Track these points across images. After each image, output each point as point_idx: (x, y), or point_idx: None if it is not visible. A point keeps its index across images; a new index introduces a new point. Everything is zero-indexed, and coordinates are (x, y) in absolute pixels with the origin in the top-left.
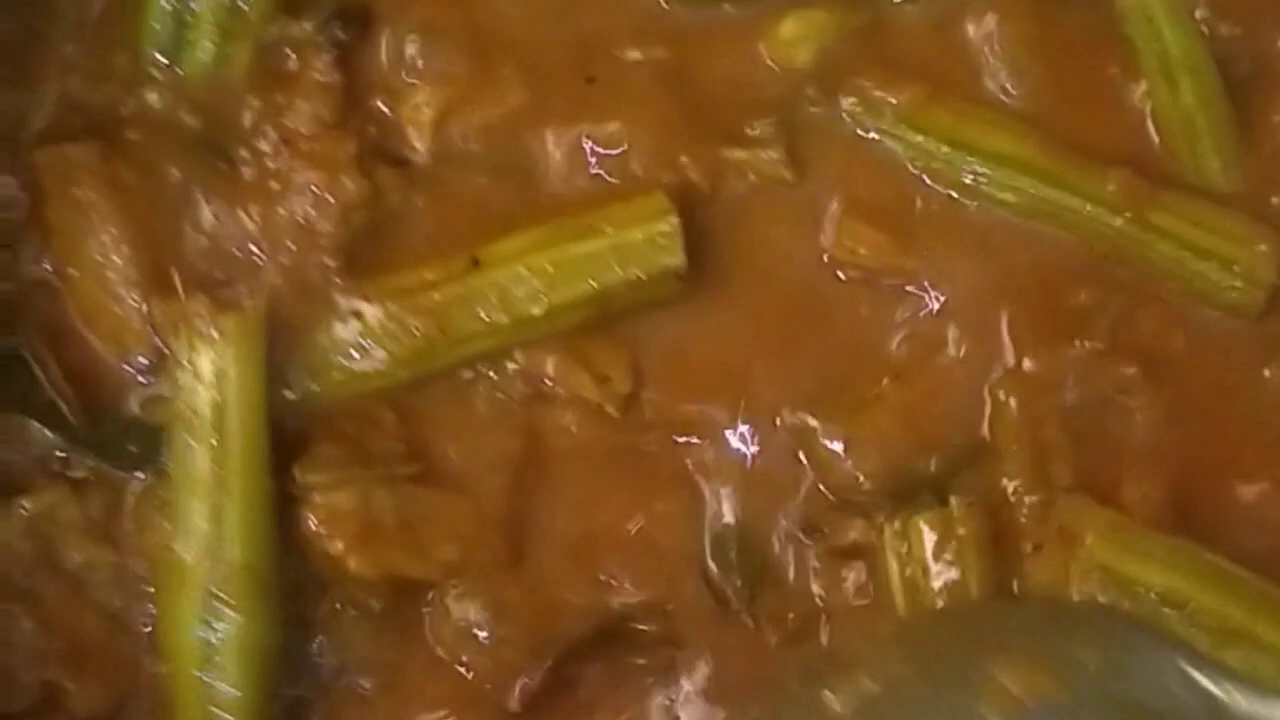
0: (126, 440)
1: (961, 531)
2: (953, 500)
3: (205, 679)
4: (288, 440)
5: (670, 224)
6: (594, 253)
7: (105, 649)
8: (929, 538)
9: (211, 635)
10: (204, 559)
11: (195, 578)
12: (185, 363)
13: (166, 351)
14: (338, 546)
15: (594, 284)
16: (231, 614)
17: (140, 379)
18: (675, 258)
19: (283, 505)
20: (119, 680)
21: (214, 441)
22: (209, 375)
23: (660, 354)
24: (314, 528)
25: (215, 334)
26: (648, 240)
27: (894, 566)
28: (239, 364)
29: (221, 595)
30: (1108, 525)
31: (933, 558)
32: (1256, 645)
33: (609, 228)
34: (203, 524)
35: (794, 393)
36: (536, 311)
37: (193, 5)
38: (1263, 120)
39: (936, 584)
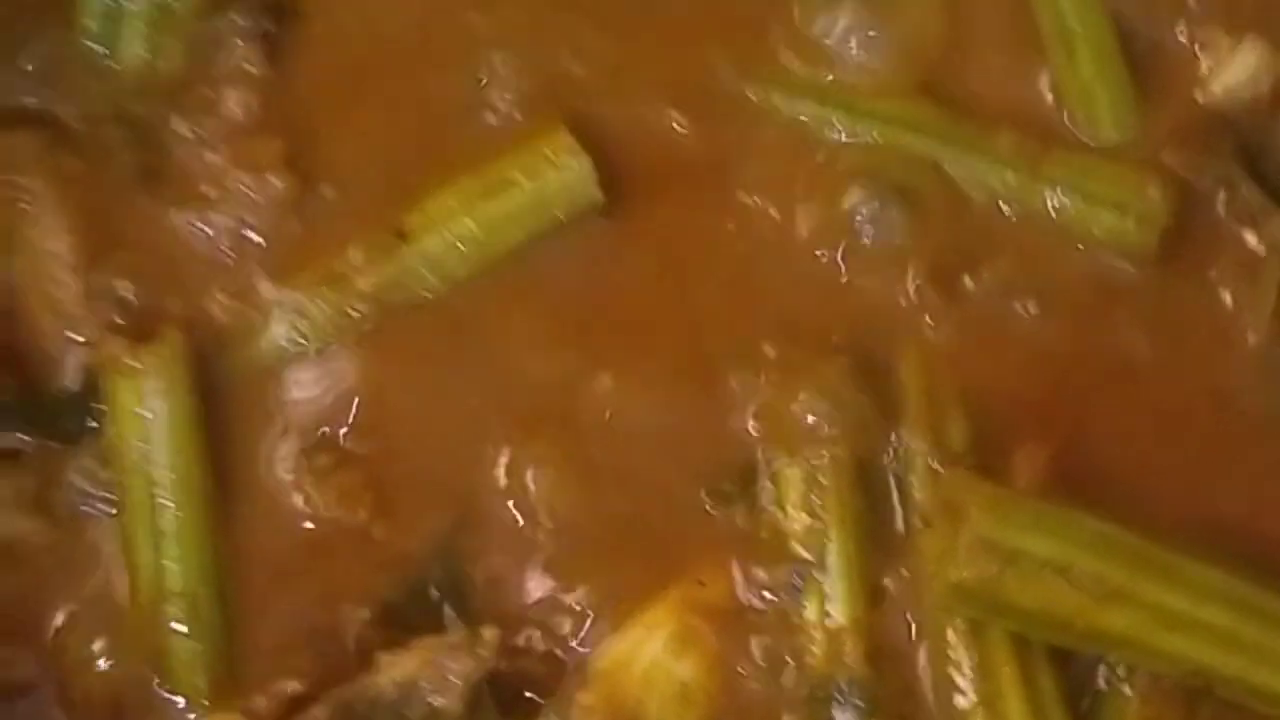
0: (60, 414)
1: (823, 479)
2: (815, 444)
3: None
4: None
5: (582, 164)
6: (515, 206)
7: (38, 617)
8: (795, 483)
9: (166, 648)
10: (150, 586)
11: (145, 599)
12: (112, 398)
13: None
14: (361, 516)
15: (519, 235)
16: (180, 637)
17: (75, 356)
18: (592, 195)
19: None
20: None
21: (147, 473)
22: (131, 410)
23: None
24: (330, 509)
25: (136, 368)
26: (563, 183)
27: (764, 516)
28: (160, 397)
29: (168, 620)
30: (988, 499)
31: (796, 504)
32: (1138, 604)
33: (522, 176)
34: (147, 553)
35: (696, 334)
36: (470, 273)
37: (124, 1)
38: (1157, 91)
39: (797, 528)
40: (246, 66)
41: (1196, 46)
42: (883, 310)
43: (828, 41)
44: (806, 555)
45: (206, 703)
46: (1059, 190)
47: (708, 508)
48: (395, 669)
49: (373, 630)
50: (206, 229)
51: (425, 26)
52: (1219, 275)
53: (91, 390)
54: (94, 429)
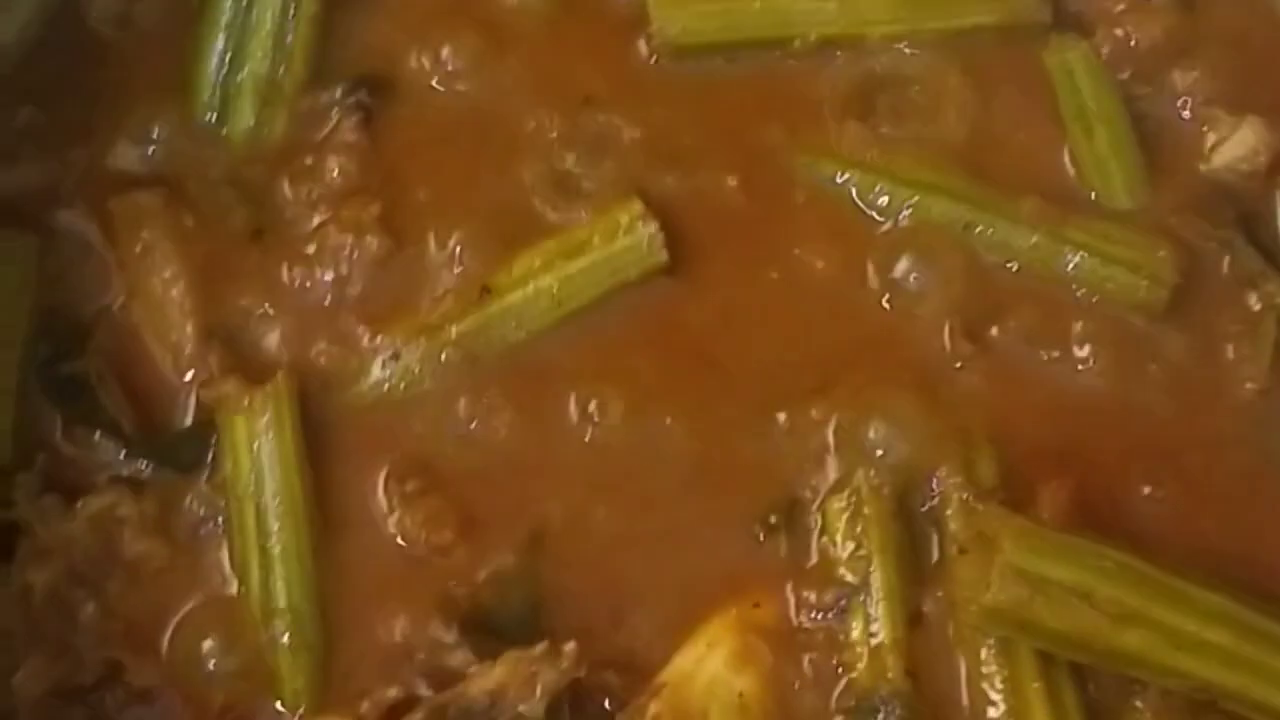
0: (180, 448)
1: (867, 511)
2: (859, 479)
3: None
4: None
5: (651, 230)
6: (589, 266)
7: (159, 629)
8: (841, 514)
9: (273, 659)
10: (259, 602)
11: (255, 614)
12: (226, 433)
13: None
14: (446, 537)
15: (594, 292)
16: (285, 648)
17: (192, 395)
18: (659, 257)
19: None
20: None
21: (257, 501)
22: (244, 444)
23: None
24: (415, 532)
25: (248, 407)
26: (634, 246)
27: (813, 544)
28: (269, 433)
29: (276, 633)
30: (1019, 532)
31: (842, 533)
32: (1150, 626)
33: (598, 240)
34: (256, 572)
35: (749, 378)
36: (549, 324)
37: (236, 78)
38: (1166, 164)
39: (843, 555)
40: (346, 136)
41: (1201, 125)
42: (920, 356)
43: (871, 120)
44: (853, 580)
45: (302, 710)
46: (1078, 251)
47: (760, 538)
48: (485, 679)
49: (462, 643)
50: (310, 281)
51: (510, 104)
52: (1221, 330)
53: (207, 426)
54: (209, 460)
